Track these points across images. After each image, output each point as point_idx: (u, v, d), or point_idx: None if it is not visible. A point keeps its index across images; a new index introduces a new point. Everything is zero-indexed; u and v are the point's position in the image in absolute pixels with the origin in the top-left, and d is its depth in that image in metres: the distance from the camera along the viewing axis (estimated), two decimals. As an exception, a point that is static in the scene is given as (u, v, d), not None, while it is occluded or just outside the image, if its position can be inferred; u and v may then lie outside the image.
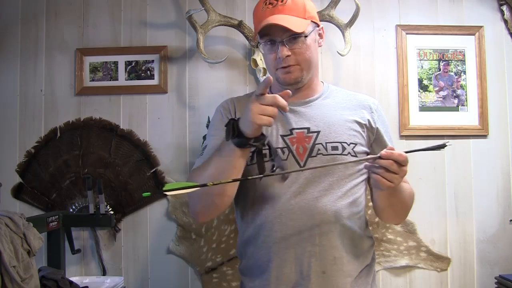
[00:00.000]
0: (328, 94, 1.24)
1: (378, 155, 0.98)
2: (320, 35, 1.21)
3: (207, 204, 1.10)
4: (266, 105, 0.94)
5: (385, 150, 0.97)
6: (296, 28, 1.10)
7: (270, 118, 0.94)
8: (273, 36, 1.12)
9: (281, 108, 0.95)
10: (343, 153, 1.12)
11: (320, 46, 1.21)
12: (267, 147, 1.08)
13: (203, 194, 1.05)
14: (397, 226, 1.91)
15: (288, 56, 1.12)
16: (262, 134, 1.00)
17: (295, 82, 1.16)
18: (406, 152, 0.98)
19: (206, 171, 1.05)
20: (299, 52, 1.13)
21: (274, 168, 1.07)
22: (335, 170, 1.11)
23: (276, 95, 0.94)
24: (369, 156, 1.07)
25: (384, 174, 0.97)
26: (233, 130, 0.98)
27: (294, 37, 1.12)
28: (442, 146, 0.98)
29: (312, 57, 1.17)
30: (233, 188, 1.08)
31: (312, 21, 1.16)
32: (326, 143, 1.12)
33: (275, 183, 1.11)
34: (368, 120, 1.20)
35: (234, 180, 1.01)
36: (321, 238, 1.08)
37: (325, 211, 1.09)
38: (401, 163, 0.96)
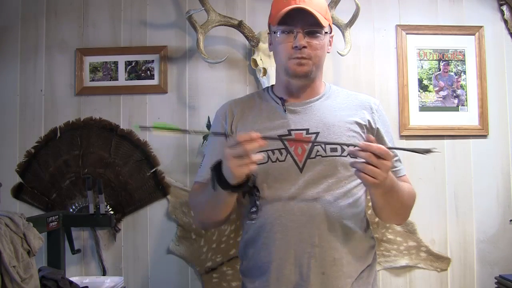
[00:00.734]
0: (330, 94, 1.24)
1: (357, 144, 0.96)
2: (330, 42, 1.21)
3: (205, 224, 1.24)
4: (241, 156, 0.92)
5: (363, 142, 0.96)
6: (322, 21, 1.11)
7: (249, 166, 0.93)
8: (293, 25, 1.12)
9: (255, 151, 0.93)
10: (342, 154, 1.12)
11: (328, 52, 1.21)
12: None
13: (202, 218, 1.19)
14: (397, 226, 1.91)
15: (304, 47, 1.12)
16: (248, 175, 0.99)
17: (305, 75, 1.15)
18: (389, 148, 0.96)
19: (201, 200, 1.14)
20: (315, 47, 1.13)
21: (253, 210, 1.07)
22: (335, 171, 1.11)
23: (246, 145, 0.91)
24: (349, 143, 1.08)
25: (366, 169, 0.93)
26: (218, 178, 0.98)
27: (314, 31, 1.12)
28: (428, 151, 0.96)
29: (322, 57, 1.18)
30: (227, 214, 1.13)
31: (329, 24, 1.17)
32: (325, 144, 1.12)
33: (275, 184, 1.11)
34: (368, 121, 1.19)
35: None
36: (320, 239, 1.08)
37: (325, 212, 1.09)
38: (379, 156, 0.93)
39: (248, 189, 1.02)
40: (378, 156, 0.93)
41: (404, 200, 1.13)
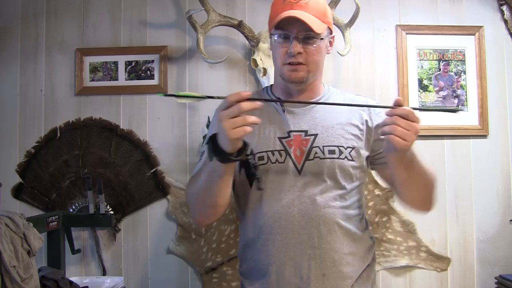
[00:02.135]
0: (328, 96, 1.23)
1: (388, 108, 0.97)
2: (331, 43, 1.20)
3: (202, 214, 1.15)
4: (234, 116, 0.90)
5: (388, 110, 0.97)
6: (316, 28, 1.09)
7: (244, 128, 0.91)
8: (288, 31, 1.11)
9: (249, 112, 0.91)
10: (340, 156, 1.11)
11: (328, 53, 1.20)
12: (251, 156, 1.03)
13: (199, 205, 1.13)
14: (397, 226, 1.91)
15: (299, 53, 1.11)
16: (244, 144, 0.97)
17: (300, 81, 1.15)
18: (414, 109, 0.97)
19: (198, 183, 1.09)
20: (311, 53, 1.12)
21: (257, 177, 1.04)
22: (333, 173, 1.11)
23: (240, 103, 0.90)
24: (379, 105, 1.12)
25: (397, 130, 0.94)
26: (214, 149, 0.96)
27: (310, 36, 1.11)
28: (455, 110, 1.01)
29: (320, 61, 1.16)
30: (225, 199, 1.09)
31: (328, 26, 1.16)
32: (323, 146, 1.12)
33: (274, 186, 1.11)
34: (366, 121, 1.19)
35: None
36: (320, 241, 1.08)
37: (324, 214, 1.08)
38: (405, 117, 0.94)
39: (245, 157, 0.98)
40: (405, 118, 0.94)
41: (426, 176, 1.09)
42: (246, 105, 0.90)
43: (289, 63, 1.12)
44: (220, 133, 0.94)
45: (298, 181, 1.10)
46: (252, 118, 0.91)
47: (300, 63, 1.12)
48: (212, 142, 0.97)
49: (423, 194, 1.12)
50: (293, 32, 1.11)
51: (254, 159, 1.03)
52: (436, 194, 1.13)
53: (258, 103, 0.92)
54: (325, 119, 1.16)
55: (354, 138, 1.15)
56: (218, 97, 0.96)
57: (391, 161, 1.05)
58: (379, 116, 1.22)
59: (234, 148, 0.95)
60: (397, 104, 0.96)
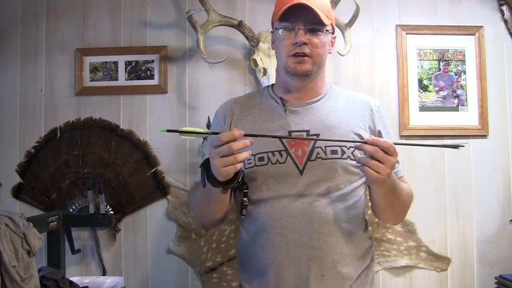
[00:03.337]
0: (331, 95, 1.23)
1: (364, 140, 0.97)
2: (332, 43, 1.21)
3: (203, 223, 1.26)
4: (226, 155, 0.93)
5: (370, 136, 0.97)
6: (323, 19, 1.10)
7: (235, 165, 0.94)
8: (294, 22, 1.12)
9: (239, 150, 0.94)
10: (343, 157, 1.11)
11: (329, 53, 1.20)
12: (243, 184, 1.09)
13: (200, 216, 1.22)
14: (397, 226, 1.91)
15: (305, 43, 1.11)
16: (237, 171, 1.00)
17: (304, 74, 1.15)
18: (414, 144, 0.97)
19: (197, 196, 1.16)
20: (315, 45, 1.12)
21: (245, 203, 1.09)
22: (335, 174, 1.10)
23: (231, 144, 0.93)
24: (356, 140, 1.10)
25: (370, 163, 0.95)
26: (208, 176, 1.00)
27: (315, 29, 1.12)
28: (456, 146, 1.00)
29: (324, 56, 1.17)
30: (223, 213, 1.15)
31: (331, 24, 1.16)
32: (325, 146, 1.12)
33: (275, 186, 1.11)
34: (369, 123, 1.19)
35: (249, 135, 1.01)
36: (320, 241, 1.08)
37: (324, 215, 1.08)
38: (386, 151, 0.95)
39: (237, 185, 1.03)
40: (384, 151, 0.95)
41: (404, 200, 1.14)
42: (237, 145, 0.93)
43: (294, 55, 1.12)
44: (212, 167, 0.98)
45: (299, 181, 1.10)
46: (243, 156, 0.95)
47: (305, 55, 1.12)
48: (206, 168, 1.01)
49: (399, 216, 1.21)
50: (298, 23, 1.11)
51: (246, 188, 1.09)
52: (408, 209, 1.20)
53: (249, 141, 0.94)
54: (327, 118, 1.16)
55: (357, 137, 1.15)
56: (214, 133, 1.00)
57: (371, 188, 1.10)
58: (382, 120, 1.22)
59: (226, 178, 0.99)
60: (373, 138, 0.97)
